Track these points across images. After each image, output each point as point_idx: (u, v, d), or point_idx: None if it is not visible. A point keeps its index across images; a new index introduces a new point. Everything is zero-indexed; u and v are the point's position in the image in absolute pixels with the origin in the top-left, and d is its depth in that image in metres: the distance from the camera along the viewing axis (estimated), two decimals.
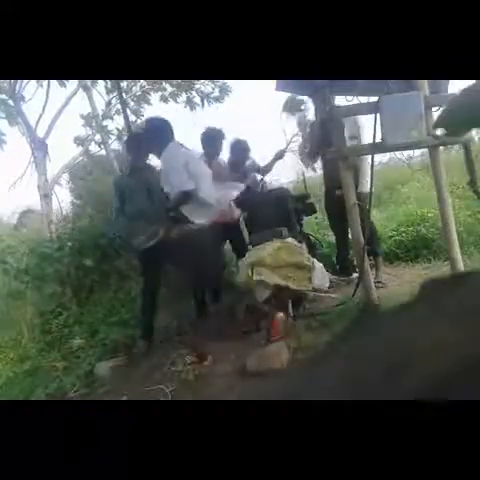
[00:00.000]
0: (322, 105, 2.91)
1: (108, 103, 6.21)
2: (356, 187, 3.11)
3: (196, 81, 5.96)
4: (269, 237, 3.32)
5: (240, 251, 3.70)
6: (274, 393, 0.32)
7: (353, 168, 3.02)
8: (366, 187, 3.38)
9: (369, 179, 3.46)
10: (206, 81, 6.01)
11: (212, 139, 3.75)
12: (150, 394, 2.40)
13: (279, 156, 4.09)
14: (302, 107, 9.06)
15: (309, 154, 3.84)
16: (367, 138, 3.51)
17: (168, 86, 6.17)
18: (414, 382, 0.25)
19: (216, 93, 6.15)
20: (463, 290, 0.32)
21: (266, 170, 4.12)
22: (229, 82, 6.12)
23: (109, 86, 6.09)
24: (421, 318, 0.31)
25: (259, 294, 3.04)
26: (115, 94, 6.08)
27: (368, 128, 3.15)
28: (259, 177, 4.07)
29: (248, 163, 4.03)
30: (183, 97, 6.19)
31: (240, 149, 3.95)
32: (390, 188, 6.70)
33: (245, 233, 3.53)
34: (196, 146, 3.77)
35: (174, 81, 5.92)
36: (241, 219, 3.59)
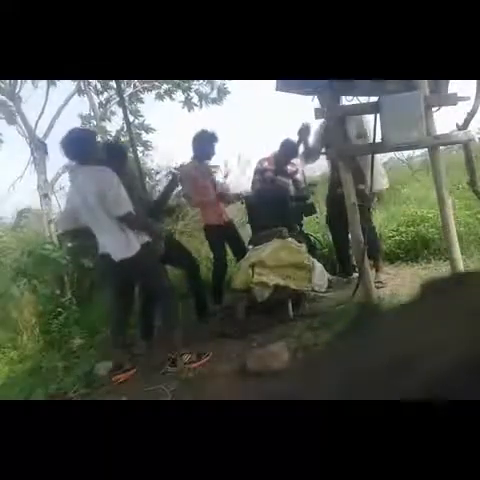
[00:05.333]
0: (330, 104, 2.89)
1: (103, 104, 6.22)
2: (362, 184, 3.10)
3: (194, 82, 5.95)
4: (269, 237, 3.33)
5: (237, 252, 3.69)
6: (274, 393, 0.32)
7: (365, 166, 2.99)
8: (381, 184, 3.39)
9: (383, 176, 3.47)
10: (204, 82, 6.00)
11: (205, 142, 3.64)
12: (150, 394, 2.40)
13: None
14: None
15: (309, 154, 3.78)
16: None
17: (164, 84, 6.15)
18: (414, 382, 0.25)
19: (214, 94, 6.13)
20: (463, 290, 0.32)
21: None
22: (227, 83, 6.11)
23: (99, 87, 6.10)
24: (421, 318, 0.31)
25: (259, 294, 3.04)
26: (107, 95, 6.11)
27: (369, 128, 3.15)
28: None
29: (293, 169, 3.97)
30: (180, 96, 6.18)
31: (288, 148, 3.87)
32: (390, 188, 6.70)
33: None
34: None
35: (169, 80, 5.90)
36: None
